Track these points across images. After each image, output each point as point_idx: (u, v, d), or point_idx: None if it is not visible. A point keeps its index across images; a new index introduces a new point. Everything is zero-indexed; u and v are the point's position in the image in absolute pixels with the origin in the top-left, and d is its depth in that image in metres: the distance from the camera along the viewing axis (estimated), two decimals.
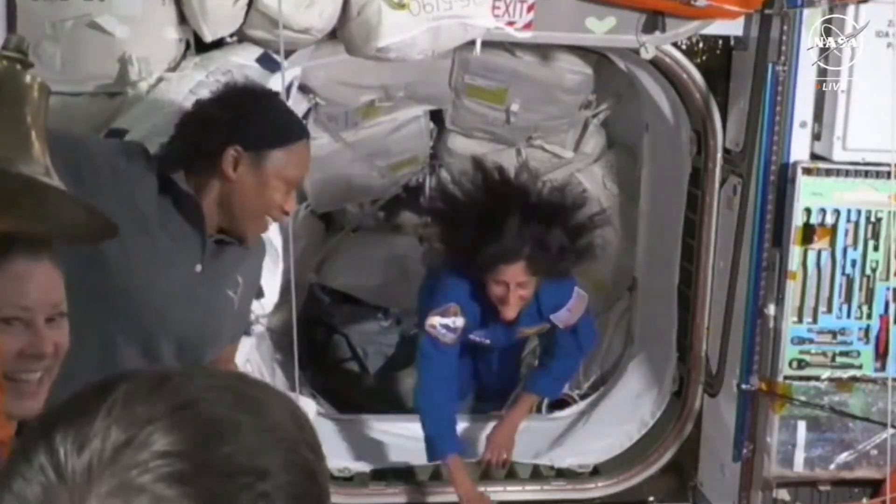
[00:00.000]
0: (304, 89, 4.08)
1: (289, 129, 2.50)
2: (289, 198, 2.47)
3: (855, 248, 3.59)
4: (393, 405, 5.59)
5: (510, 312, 3.60)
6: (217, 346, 2.60)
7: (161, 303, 2.43)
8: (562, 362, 4.04)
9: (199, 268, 2.46)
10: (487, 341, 3.93)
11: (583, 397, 4.53)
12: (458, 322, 3.67)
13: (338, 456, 4.05)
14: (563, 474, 4.16)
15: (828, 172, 3.53)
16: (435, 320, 3.67)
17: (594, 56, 4.20)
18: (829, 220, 3.56)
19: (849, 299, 3.61)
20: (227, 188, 2.42)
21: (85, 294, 2.28)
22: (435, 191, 3.78)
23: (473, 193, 3.66)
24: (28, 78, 1.76)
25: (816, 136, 3.56)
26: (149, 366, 2.45)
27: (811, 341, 3.63)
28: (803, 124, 3.55)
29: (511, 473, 4.11)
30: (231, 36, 3.03)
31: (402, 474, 4.13)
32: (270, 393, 0.92)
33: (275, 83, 2.86)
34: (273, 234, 3.14)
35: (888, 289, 3.62)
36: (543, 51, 4.20)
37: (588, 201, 3.99)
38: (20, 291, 1.73)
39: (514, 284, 3.52)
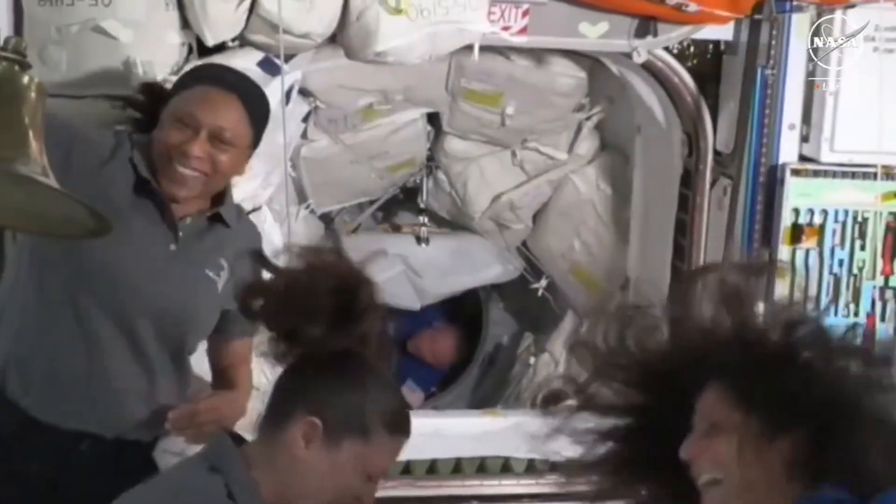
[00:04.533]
0: (304, 93, 4.12)
1: (190, 77, 2.59)
2: (194, 140, 2.47)
3: (842, 248, 3.64)
4: None
5: None
6: (199, 329, 2.62)
7: (133, 278, 2.47)
8: None
9: (173, 247, 2.51)
10: None
11: None
12: None
13: None
14: (557, 468, 4.18)
15: (816, 173, 3.58)
16: None
17: (587, 60, 4.23)
18: (817, 220, 3.61)
19: (836, 298, 3.67)
20: None
21: (61, 271, 2.37)
22: None
23: None
24: (26, 79, 1.79)
25: (805, 138, 3.61)
26: (128, 344, 2.51)
27: None
28: (792, 126, 3.59)
29: (506, 467, 4.14)
30: (233, 40, 3.07)
31: (399, 470, 4.16)
32: None
33: (276, 87, 2.92)
34: (273, 234, 3.19)
35: (875, 287, 3.68)
36: (538, 55, 4.22)
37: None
38: None
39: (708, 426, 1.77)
